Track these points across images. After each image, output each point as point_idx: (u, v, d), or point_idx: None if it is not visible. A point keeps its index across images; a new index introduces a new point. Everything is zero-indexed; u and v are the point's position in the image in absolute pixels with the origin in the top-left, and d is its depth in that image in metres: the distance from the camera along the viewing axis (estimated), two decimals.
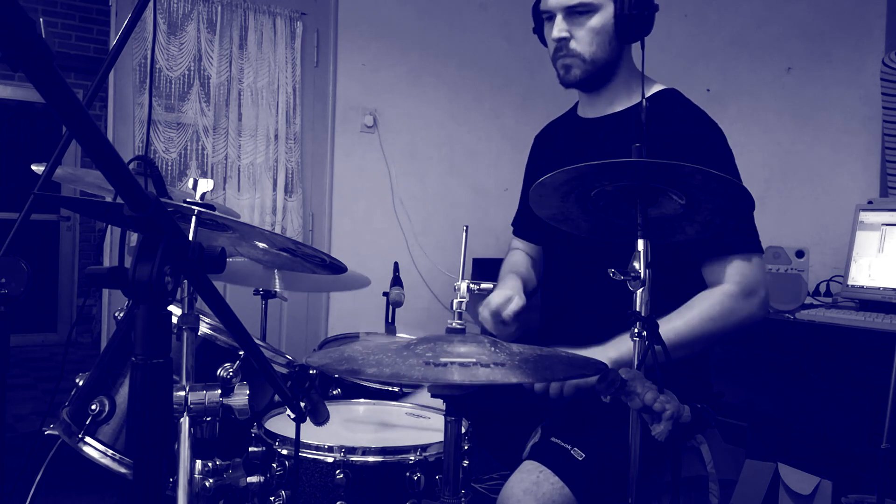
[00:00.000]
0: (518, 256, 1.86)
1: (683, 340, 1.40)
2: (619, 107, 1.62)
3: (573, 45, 1.54)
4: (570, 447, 1.38)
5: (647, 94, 1.55)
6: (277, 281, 1.88)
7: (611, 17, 1.51)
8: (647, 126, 1.42)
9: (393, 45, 3.44)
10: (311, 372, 1.12)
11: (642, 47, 1.49)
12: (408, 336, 2.02)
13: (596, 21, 1.52)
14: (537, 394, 1.43)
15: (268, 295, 2.01)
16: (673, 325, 1.40)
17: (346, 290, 2.10)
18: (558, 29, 1.54)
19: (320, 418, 1.17)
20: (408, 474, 1.28)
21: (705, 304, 1.44)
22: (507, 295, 1.59)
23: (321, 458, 1.27)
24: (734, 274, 1.45)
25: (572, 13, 1.52)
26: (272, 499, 1.28)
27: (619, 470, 1.15)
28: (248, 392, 1.18)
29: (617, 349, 1.38)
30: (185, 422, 1.15)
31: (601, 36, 1.53)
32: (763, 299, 1.47)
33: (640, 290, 1.07)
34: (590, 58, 1.54)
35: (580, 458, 1.36)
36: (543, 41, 1.64)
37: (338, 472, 1.25)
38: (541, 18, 1.62)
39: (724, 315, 1.43)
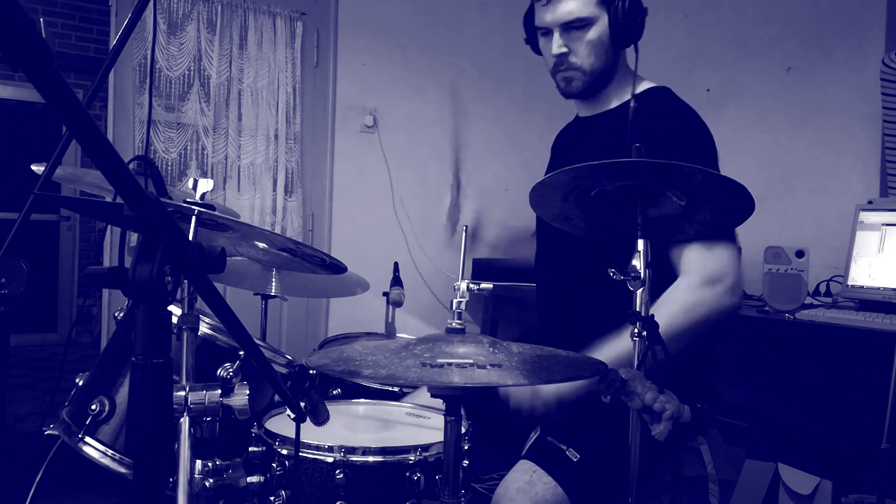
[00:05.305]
0: None
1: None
2: (612, 104, 1.63)
3: (573, 59, 1.56)
4: (565, 447, 1.38)
5: (637, 92, 1.56)
6: (275, 285, 1.88)
7: (606, 28, 1.52)
8: (633, 123, 1.43)
9: (393, 45, 3.43)
10: (310, 372, 1.12)
11: (636, 50, 1.53)
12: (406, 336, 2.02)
13: (592, 34, 1.53)
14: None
15: (268, 295, 2.01)
16: None
17: (344, 295, 2.10)
18: (557, 45, 1.55)
19: (320, 418, 1.17)
20: (408, 474, 1.28)
21: (666, 304, 1.38)
22: None
23: (321, 458, 1.27)
24: (692, 261, 1.41)
25: (569, 28, 1.54)
26: (272, 499, 1.28)
27: (616, 471, 1.15)
28: (248, 392, 1.18)
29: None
30: (185, 422, 1.15)
31: (599, 47, 1.54)
32: (731, 286, 1.41)
33: (640, 290, 1.08)
34: (589, 69, 1.56)
35: (575, 459, 1.36)
36: (537, 51, 1.65)
37: (338, 472, 1.25)
38: (534, 30, 1.63)
39: (687, 310, 1.38)
